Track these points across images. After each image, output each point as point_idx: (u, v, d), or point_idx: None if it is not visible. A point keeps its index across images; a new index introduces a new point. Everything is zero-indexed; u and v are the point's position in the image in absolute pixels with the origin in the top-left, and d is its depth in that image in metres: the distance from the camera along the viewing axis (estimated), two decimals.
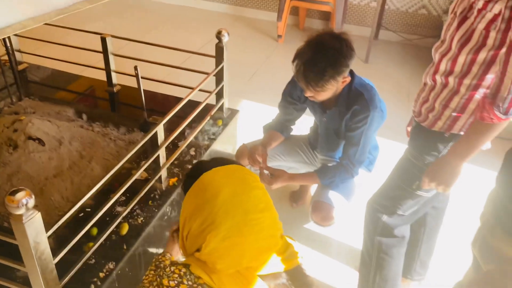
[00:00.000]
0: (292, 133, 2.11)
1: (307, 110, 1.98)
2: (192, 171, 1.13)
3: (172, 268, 1.00)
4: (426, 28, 4.39)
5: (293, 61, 1.64)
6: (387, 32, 4.45)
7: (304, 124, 2.22)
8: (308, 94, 1.67)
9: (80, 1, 1.16)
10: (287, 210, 2.29)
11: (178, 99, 2.03)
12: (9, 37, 2.53)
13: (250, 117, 3.13)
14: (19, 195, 1.06)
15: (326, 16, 4.67)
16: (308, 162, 2.10)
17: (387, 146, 2.87)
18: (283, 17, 4.19)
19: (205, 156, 2.12)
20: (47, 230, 1.19)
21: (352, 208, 2.12)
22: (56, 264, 1.27)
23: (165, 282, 0.98)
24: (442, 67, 1.32)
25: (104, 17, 4.88)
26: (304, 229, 1.92)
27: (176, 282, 0.98)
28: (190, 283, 0.97)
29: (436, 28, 4.34)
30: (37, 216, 1.11)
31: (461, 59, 1.25)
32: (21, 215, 1.07)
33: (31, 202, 1.08)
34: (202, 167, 1.11)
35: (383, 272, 1.63)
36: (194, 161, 2.05)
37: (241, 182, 1.04)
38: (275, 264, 1.05)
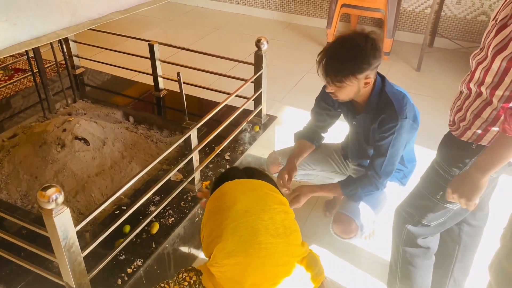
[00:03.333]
0: (324, 141, 2.09)
1: (341, 117, 1.97)
2: (219, 177, 1.13)
3: (184, 275, 1.02)
4: None
5: (318, 55, 1.65)
6: (443, 39, 4.28)
7: (338, 133, 2.19)
8: (329, 89, 1.67)
9: (113, 11, 1.24)
10: (320, 219, 2.28)
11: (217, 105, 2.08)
12: (67, 43, 2.73)
13: (292, 124, 3.14)
14: (50, 191, 1.14)
15: (379, 23, 4.57)
16: (339, 171, 2.07)
17: (431, 156, 2.77)
18: (333, 24, 4.16)
19: (240, 161, 2.16)
20: (77, 225, 1.28)
21: (382, 221, 2.07)
22: (88, 257, 1.36)
23: None
24: (477, 75, 1.27)
25: (162, 23, 5.09)
26: (336, 239, 1.90)
27: None
28: None
29: None
30: (66, 212, 1.19)
31: (494, 67, 1.20)
32: (51, 210, 1.16)
33: (61, 198, 1.16)
34: (228, 175, 1.11)
35: (407, 283, 1.58)
36: (228, 166, 2.10)
37: (257, 201, 0.99)
38: (305, 283, 1.00)
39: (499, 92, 1.21)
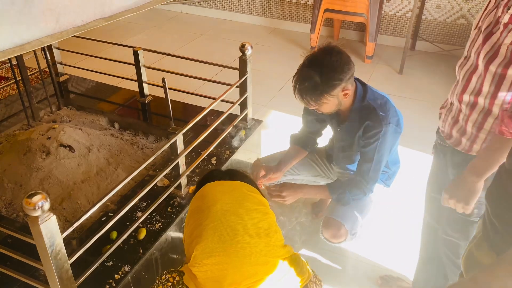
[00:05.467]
0: None
1: None
2: (202, 178, 1.16)
3: (167, 276, 1.04)
4: (465, 39, 4.27)
5: (293, 78, 1.68)
6: (424, 42, 4.37)
7: (324, 136, 2.22)
8: (311, 107, 1.69)
9: (97, 18, 1.24)
10: (308, 221, 2.30)
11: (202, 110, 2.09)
12: (50, 51, 2.71)
13: (278, 128, 3.17)
14: (36, 198, 1.14)
15: (361, 27, 4.64)
16: (324, 175, 2.09)
17: (415, 157, 2.82)
18: (316, 29, 4.21)
19: (226, 166, 2.17)
20: (64, 232, 1.27)
21: (369, 223, 2.10)
22: (75, 264, 1.35)
23: None
24: (471, 86, 1.25)
25: (146, 29, 5.09)
26: (324, 241, 1.92)
27: None
28: None
29: None
30: (52, 218, 1.19)
31: (488, 76, 1.19)
32: (37, 217, 1.16)
33: (47, 205, 1.16)
34: (210, 176, 1.13)
35: None
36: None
37: (237, 202, 1.00)
38: (289, 278, 1.02)
39: (498, 101, 1.19)
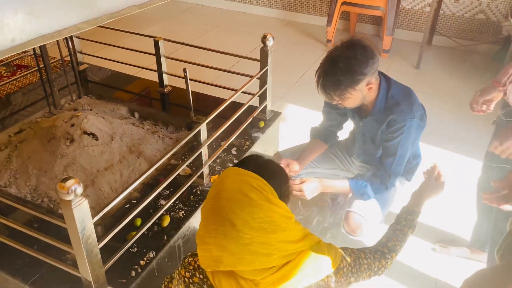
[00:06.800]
0: None
1: None
2: (242, 158, 1.16)
3: (190, 260, 1.08)
4: (484, 34, 4.23)
5: (316, 72, 1.67)
6: (441, 37, 4.33)
7: (344, 129, 2.22)
8: (334, 102, 1.69)
9: (130, 5, 1.25)
10: (327, 214, 2.30)
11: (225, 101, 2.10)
12: (71, 39, 2.73)
13: (294, 121, 3.17)
14: (69, 182, 1.16)
15: (378, 21, 4.61)
16: (344, 168, 2.09)
17: (433, 153, 2.81)
18: (333, 22, 4.19)
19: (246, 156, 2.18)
20: (94, 216, 1.29)
21: (388, 218, 2.10)
22: (101, 250, 1.37)
23: (182, 272, 1.09)
24: None
25: (161, 21, 5.10)
26: (341, 233, 1.93)
27: (190, 274, 1.07)
28: (201, 276, 1.05)
29: (495, 34, 4.16)
30: (85, 203, 1.21)
31: None
32: (70, 201, 1.18)
33: (80, 189, 1.18)
34: (245, 160, 1.12)
35: None
36: (235, 160, 2.12)
37: (242, 194, 0.98)
38: (323, 262, 1.05)
39: None
